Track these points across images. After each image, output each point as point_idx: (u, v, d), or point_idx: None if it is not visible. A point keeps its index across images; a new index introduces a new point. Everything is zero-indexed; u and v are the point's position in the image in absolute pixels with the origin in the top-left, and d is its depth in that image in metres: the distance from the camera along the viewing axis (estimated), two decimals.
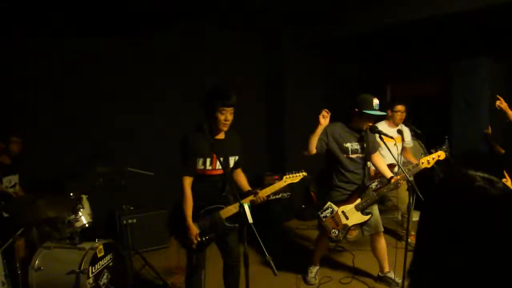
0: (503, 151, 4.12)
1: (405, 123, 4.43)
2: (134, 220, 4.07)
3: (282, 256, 3.29)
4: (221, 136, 2.76)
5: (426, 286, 0.77)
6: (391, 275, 3.54)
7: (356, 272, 3.84)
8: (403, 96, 5.24)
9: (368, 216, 3.34)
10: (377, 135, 3.31)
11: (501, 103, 3.55)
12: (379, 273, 3.63)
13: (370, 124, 3.26)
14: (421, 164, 3.30)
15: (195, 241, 2.62)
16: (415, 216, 4.47)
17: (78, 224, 3.31)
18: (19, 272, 2.93)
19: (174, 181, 2.74)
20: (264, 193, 2.76)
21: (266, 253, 2.08)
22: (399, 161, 3.35)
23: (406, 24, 4.64)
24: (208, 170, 2.70)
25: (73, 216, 3.28)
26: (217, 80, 5.03)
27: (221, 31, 5.39)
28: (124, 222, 3.90)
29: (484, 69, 5.26)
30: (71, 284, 2.88)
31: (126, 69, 4.72)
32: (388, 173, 3.38)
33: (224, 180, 2.78)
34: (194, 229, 2.62)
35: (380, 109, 3.27)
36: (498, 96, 3.63)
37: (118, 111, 4.63)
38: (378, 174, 3.67)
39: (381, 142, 3.31)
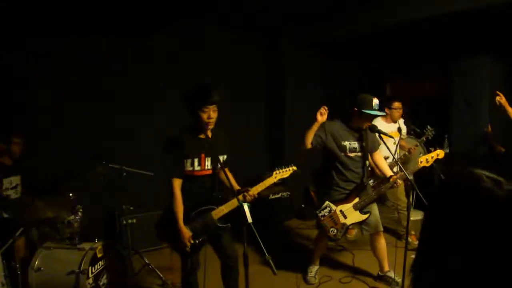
0: (503, 150, 4.13)
1: (405, 122, 4.44)
2: (134, 220, 4.07)
3: (282, 255, 3.29)
4: (208, 135, 2.71)
5: (427, 286, 0.77)
6: (391, 274, 3.54)
7: (356, 272, 3.84)
8: (403, 96, 5.23)
9: (367, 215, 3.35)
10: (377, 134, 3.31)
11: (501, 99, 3.55)
12: (379, 272, 3.63)
13: (370, 124, 3.27)
14: (419, 163, 3.31)
15: (188, 244, 2.60)
16: (414, 215, 4.47)
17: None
18: (19, 272, 2.93)
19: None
20: (254, 190, 2.71)
21: (266, 252, 2.08)
22: (397, 157, 3.36)
23: (406, 24, 4.64)
24: (197, 171, 2.67)
25: (72, 217, 3.27)
26: (217, 80, 5.02)
27: (221, 31, 5.38)
28: (124, 222, 3.90)
29: (484, 69, 5.26)
30: (71, 284, 2.88)
31: (126, 69, 4.71)
32: (389, 172, 3.39)
33: (213, 180, 2.76)
34: (186, 232, 2.60)
35: (380, 109, 3.28)
36: (497, 92, 3.63)
37: (118, 111, 4.63)
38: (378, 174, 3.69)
39: (381, 142, 3.32)
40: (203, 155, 2.67)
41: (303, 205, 5.77)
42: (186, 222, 2.64)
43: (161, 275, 3.71)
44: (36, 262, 2.97)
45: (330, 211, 3.34)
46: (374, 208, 3.47)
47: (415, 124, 4.78)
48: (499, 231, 0.65)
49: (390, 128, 4.17)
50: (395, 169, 3.91)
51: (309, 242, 4.62)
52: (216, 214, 2.70)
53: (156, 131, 4.91)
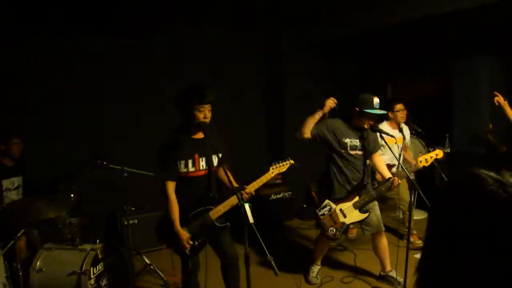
0: (504, 148, 4.13)
1: (406, 122, 4.43)
2: (135, 221, 4.06)
3: (283, 255, 3.29)
4: (200, 135, 2.70)
5: (431, 286, 0.77)
6: (393, 274, 3.54)
7: (358, 271, 3.83)
8: (405, 96, 5.23)
9: (366, 214, 3.35)
10: (378, 134, 3.32)
11: (499, 99, 3.56)
12: (381, 272, 3.63)
13: (371, 122, 3.28)
14: (419, 163, 3.32)
15: (187, 246, 2.59)
16: (417, 215, 4.47)
17: None
18: (20, 273, 2.91)
19: None
20: (251, 187, 2.70)
21: (267, 253, 2.07)
22: (400, 160, 3.36)
23: (406, 24, 4.64)
24: (191, 172, 2.66)
25: (73, 218, 3.27)
26: (217, 80, 5.02)
27: (221, 31, 5.38)
28: (125, 222, 3.89)
29: (484, 69, 5.26)
30: (73, 285, 2.87)
31: (126, 69, 4.71)
32: (387, 174, 3.39)
33: (209, 180, 2.74)
34: (184, 234, 2.59)
35: (380, 109, 3.28)
36: (496, 92, 3.64)
37: (118, 111, 4.62)
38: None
39: (381, 141, 3.32)
40: (196, 155, 2.66)
41: (304, 205, 5.76)
42: (184, 223, 2.63)
43: (163, 276, 3.71)
44: (38, 263, 2.96)
45: (329, 210, 3.34)
46: (376, 207, 3.47)
47: (416, 123, 4.78)
48: (501, 233, 0.65)
49: (395, 135, 4.13)
50: (393, 170, 3.91)
51: (311, 242, 4.62)
52: (214, 214, 2.68)
53: (157, 131, 4.90)
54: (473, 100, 5.21)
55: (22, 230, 2.99)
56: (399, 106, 4.22)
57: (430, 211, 0.82)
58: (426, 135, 4.38)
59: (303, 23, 5.54)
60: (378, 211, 3.48)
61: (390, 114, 4.21)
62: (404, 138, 4.24)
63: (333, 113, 3.29)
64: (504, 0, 3.73)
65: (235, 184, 2.70)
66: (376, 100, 3.22)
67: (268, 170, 2.81)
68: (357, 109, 3.26)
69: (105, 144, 4.28)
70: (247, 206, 2.29)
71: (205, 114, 2.57)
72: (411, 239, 3.44)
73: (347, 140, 3.32)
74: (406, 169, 3.20)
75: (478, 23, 4.55)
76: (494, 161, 4.23)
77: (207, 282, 2.85)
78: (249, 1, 4.63)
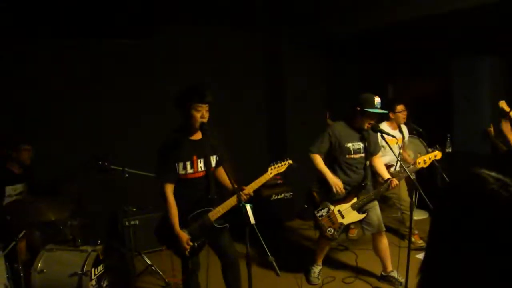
0: (505, 148, 4.12)
1: (406, 122, 4.43)
2: (137, 222, 4.05)
3: (284, 256, 3.29)
4: (198, 136, 2.70)
5: (433, 286, 0.77)
6: (394, 274, 3.54)
7: (359, 272, 3.83)
8: (405, 96, 5.23)
9: (364, 215, 3.38)
10: (379, 135, 3.32)
11: (503, 104, 3.50)
12: (382, 273, 3.63)
13: (372, 122, 3.28)
14: (417, 163, 3.32)
15: (187, 247, 2.59)
16: (417, 215, 4.47)
17: None
18: (21, 274, 2.91)
19: None
20: (250, 188, 2.69)
21: (269, 253, 2.07)
22: (399, 160, 3.37)
23: (406, 24, 4.64)
24: (190, 173, 2.65)
25: (74, 219, 3.26)
26: (217, 80, 5.01)
27: (221, 31, 5.37)
28: (126, 223, 3.88)
29: (484, 69, 5.26)
30: (74, 286, 2.87)
31: (126, 69, 4.70)
32: (386, 175, 3.40)
33: (208, 181, 2.73)
34: (184, 236, 2.58)
35: (381, 108, 3.29)
36: (504, 105, 3.48)
37: (118, 111, 4.61)
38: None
39: (382, 142, 3.32)
40: (195, 157, 2.65)
41: (305, 206, 5.75)
42: (183, 225, 2.62)
43: (164, 276, 3.70)
44: (39, 264, 2.95)
45: (328, 211, 3.36)
46: (376, 207, 3.48)
47: (416, 123, 4.78)
48: (502, 233, 0.65)
49: (396, 135, 4.14)
50: (391, 170, 3.91)
51: (312, 243, 4.62)
52: (213, 216, 2.68)
53: (157, 131, 4.89)
54: (473, 100, 5.20)
55: (23, 231, 2.98)
56: (400, 107, 4.23)
57: (432, 212, 0.83)
58: (426, 135, 4.37)
59: (303, 23, 5.54)
60: (378, 211, 3.48)
61: (391, 115, 4.22)
62: (403, 137, 4.26)
63: (334, 115, 3.31)
64: (504, 0, 3.73)
65: (235, 185, 2.69)
66: (377, 100, 3.24)
67: (267, 170, 2.80)
68: (358, 108, 3.27)
69: (105, 144, 4.27)
70: (248, 206, 2.28)
71: (202, 114, 2.57)
72: (413, 239, 3.43)
73: (350, 145, 3.36)
74: (406, 168, 3.20)
75: (478, 23, 4.55)
76: (495, 161, 4.22)
77: (208, 282, 2.85)
78: (249, 1, 4.63)
